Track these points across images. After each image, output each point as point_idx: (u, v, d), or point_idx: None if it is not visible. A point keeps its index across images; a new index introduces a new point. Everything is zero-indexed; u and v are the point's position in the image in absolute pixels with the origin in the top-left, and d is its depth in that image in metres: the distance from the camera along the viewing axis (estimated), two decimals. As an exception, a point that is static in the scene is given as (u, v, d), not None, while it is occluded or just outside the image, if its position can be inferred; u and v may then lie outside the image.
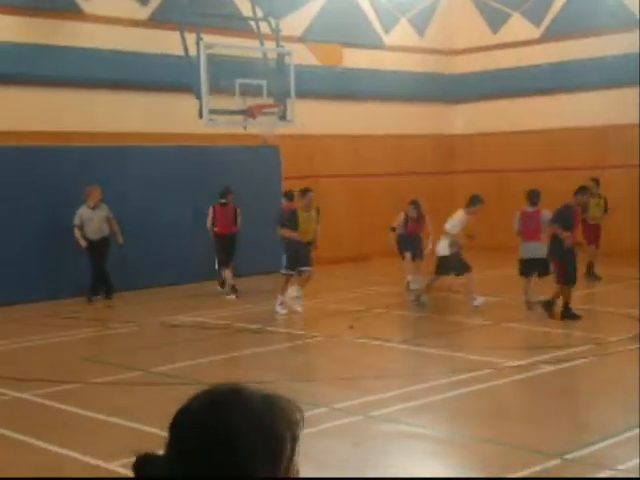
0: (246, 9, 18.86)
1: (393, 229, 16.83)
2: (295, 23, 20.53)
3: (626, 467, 6.87)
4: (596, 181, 17.65)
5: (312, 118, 19.84)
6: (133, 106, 17.93)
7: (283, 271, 14.76)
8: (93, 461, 7.33)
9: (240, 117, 16.57)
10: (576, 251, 13.55)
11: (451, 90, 24.09)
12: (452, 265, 14.45)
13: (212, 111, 15.92)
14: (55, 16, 17.21)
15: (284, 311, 14.50)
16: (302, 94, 17.57)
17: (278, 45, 17.44)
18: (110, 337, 13.63)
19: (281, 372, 10.46)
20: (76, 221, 15.97)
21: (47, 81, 16.91)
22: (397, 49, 22.93)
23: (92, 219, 16.06)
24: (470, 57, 23.93)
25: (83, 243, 15.98)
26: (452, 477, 7.09)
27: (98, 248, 16.09)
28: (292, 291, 14.52)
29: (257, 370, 10.56)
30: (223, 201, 16.65)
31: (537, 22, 22.69)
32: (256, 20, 18.20)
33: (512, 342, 12.43)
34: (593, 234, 17.60)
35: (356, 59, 22.04)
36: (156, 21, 18.37)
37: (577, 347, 11.57)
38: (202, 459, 1.55)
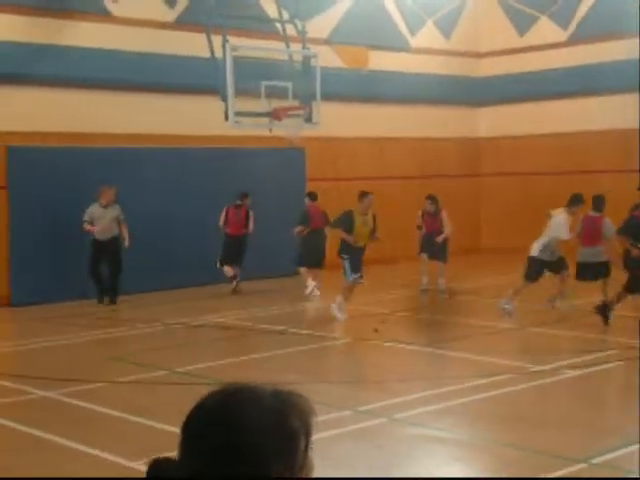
0: (272, 11, 18.90)
1: (419, 227, 17.48)
2: (321, 25, 20.54)
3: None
4: None
5: (337, 120, 19.86)
6: (160, 108, 17.99)
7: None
8: (113, 458, 7.37)
9: (266, 119, 16.59)
10: None
11: (476, 93, 24.02)
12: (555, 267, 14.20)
13: (238, 113, 15.93)
14: (83, 18, 17.33)
15: (344, 315, 14.12)
16: (328, 96, 17.58)
17: (304, 47, 17.44)
18: (133, 337, 13.67)
19: (306, 374, 10.45)
20: (86, 217, 15.82)
21: (71, 82, 17.01)
22: (423, 51, 22.89)
23: (102, 217, 15.87)
24: (496, 60, 23.85)
25: (90, 228, 15.70)
26: (470, 477, 7.07)
27: (105, 248, 15.88)
28: (338, 299, 14.21)
29: (281, 372, 10.55)
30: (238, 203, 16.99)
31: (564, 25, 22.57)
32: (282, 22, 18.22)
33: (536, 346, 12.36)
34: None
35: (382, 61, 22.01)
36: (183, 23, 18.47)
37: (602, 352, 11.49)
38: (216, 457, 1.56)
